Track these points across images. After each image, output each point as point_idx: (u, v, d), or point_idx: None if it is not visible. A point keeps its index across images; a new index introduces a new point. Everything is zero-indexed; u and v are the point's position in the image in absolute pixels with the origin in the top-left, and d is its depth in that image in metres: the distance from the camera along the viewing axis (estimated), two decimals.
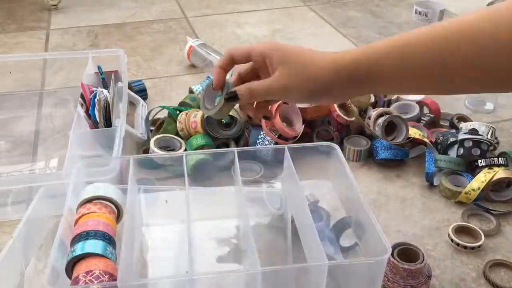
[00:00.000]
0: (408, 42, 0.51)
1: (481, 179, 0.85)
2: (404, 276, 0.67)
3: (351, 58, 0.54)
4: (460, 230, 0.80)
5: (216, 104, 0.62)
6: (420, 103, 1.05)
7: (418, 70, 0.51)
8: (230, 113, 0.91)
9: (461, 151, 0.90)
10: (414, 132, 0.94)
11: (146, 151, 0.95)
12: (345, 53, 0.55)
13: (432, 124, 1.03)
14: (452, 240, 0.77)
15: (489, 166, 0.87)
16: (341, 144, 0.97)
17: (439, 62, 0.49)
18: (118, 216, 0.68)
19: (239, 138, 0.95)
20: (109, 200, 0.66)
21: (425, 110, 1.05)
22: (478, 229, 0.79)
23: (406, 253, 0.69)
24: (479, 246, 0.77)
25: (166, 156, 0.88)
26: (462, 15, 0.49)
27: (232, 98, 0.59)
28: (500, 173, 0.85)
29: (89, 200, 0.66)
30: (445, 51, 0.48)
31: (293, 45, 0.57)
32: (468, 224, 0.80)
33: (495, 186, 0.86)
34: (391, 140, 0.94)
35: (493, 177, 0.84)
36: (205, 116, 0.87)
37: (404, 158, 0.95)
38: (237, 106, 0.83)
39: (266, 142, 0.92)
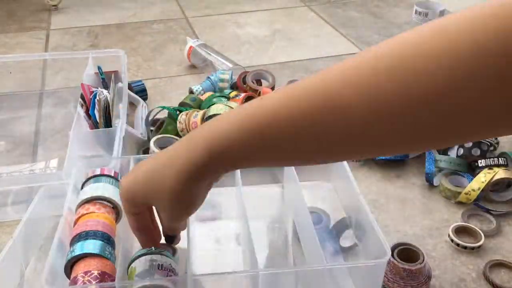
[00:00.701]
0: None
1: (481, 179, 0.85)
2: (404, 277, 0.67)
3: (194, 169, 0.45)
4: (460, 231, 0.80)
5: None
6: None
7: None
8: None
9: (461, 151, 0.90)
10: None
11: (146, 151, 0.95)
12: (185, 164, 0.45)
13: None
14: (452, 240, 0.77)
15: (489, 166, 0.87)
16: None
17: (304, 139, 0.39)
18: (118, 216, 0.68)
19: None
20: (109, 200, 0.66)
21: None
22: (478, 230, 0.79)
23: (406, 253, 0.69)
24: (479, 247, 0.77)
25: None
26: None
27: (171, 239, 0.59)
28: (500, 173, 0.85)
29: (88, 201, 0.66)
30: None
31: (136, 177, 0.51)
32: (468, 225, 0.80)
33: (495, 186, 0.86)
34: None
35: (493, 177, 0.84)
36: None
37: (404, 159, 0.95)
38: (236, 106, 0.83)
39: None
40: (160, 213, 0.55)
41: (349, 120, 0.36)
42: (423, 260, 0.68)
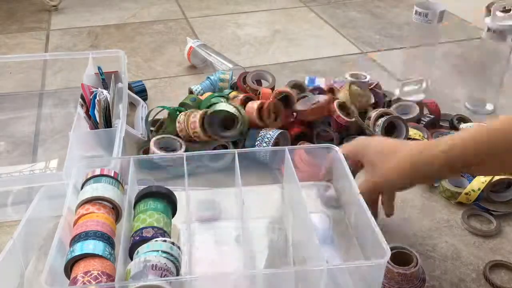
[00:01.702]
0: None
1: (481, 179, 0.85)
2: (399, 281, 0.66)
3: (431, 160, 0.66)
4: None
5: None
6: (421, 104, 1.05)
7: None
8: (232, 113, 0.91)
9: None
10: (414, 133, 0.94)
11: (146, 151, 0.95)
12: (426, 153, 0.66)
13: (432, 125, 1.03)
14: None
15: None
16: (340, 145, 0.97)
17: None
18: (117, 216, 0.68)
19: (239, 139, 0.95)
20: (108, 200, 0.66)
21: (425, 111, 1.05)
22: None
23: (399, 256, 0.68)
24: None
25: (166, 157, 0.88)
26: None
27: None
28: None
29: (88, 201, 0.66)
30: None
31: (378, 142, 0.73)
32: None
33: (495, 186, 0.86)
34: None
35: (493, 177, 0.84)
36: None
37: None
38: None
39: (264, 144, 0.91)
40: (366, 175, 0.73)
41: None
42: (417, 264, 0.68)
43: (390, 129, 0.96)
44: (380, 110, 0.97)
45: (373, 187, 0.72)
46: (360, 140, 0.77)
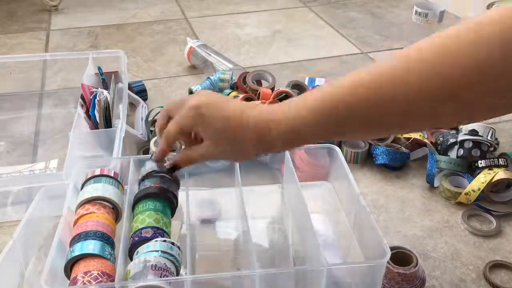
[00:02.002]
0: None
1: (481, 180, 0.85)
2: (399, 281, 0.66)
3: (272, 125, 0.55)
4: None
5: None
6: None
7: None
8: None
9: (461, 152, 0.90)
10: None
11: (146, 151, 0.95)
12: (267, 117, 0.56)
13: None
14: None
15: (489, 167, 0.87)
16: (339, 145, 0.97)
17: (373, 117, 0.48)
18: (117, 216, 0.68)
19: None
20: (108, 200, 0.66)
21: None
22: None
23: (399, 256, 0.68)
24: None
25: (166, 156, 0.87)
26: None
27: (173, 169, 0.67)
28: (500, 174, 0.85)
29: (88, 201, 0.66)
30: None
31: (215, 114, 0.59)
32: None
33: (495, 187, 0.86)
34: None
35: (493, 178, 0.84)
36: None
37: (404, 160, 0.94)
38: None
39: None
40: (206, 146, 0.60)
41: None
42: (417, 264, 0.67)
43: None
44: None
45: (202, 157, 0.62)
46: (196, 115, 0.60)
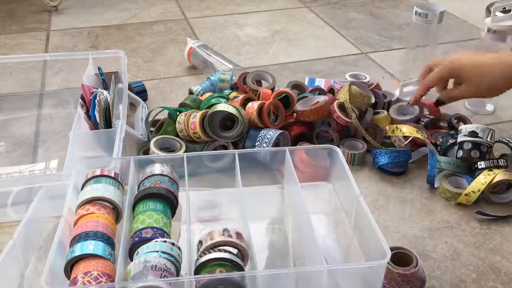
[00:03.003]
0: None
1: (481, 181, 0.85)
2: (399, 281, 0.66)
3: None
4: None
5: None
6: (421, 104, 1.05)
7: None
8: (232, 113, 0.91)
9: (461, 153, 0.90)
10: (411, 131, 0.94)
11: (146, 152, 0.95)
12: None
13: (432, 125, 1.04)
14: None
15: (489, 168, 0.87)
16: (340, 145, 0.97)
17: None
18: (117, 217, 0.68)
19: (239, 140, 0.95)
20: (108, 201, 0.66)
21: (425, 111, 1.05)
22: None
23: (399, 257, 0.68)
24: None
25: (166, 157, 0.88)
26: None
27: (440, 103, 0.95)
28: (500, 175, 0.85)
29: (88, 201, 0.66)
30: None
31: (468, 64, 0.85)
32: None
33: (495, 188, 0.86)
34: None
35: (493, 179, 0.84)
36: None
37: (407, 160, 0.94)
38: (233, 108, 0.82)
39: (264, 145, 0.91)
40: (465, 88, 0.88)
41: None
42: (417, 264, 0.67)
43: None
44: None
45: (462, 97, 0.92)
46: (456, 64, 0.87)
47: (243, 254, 0.59)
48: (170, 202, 0.68)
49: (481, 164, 0.88)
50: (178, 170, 0.75)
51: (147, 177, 0.70)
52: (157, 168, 0.72)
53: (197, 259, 0.59)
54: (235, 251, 0.59)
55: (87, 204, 0.65)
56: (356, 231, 0.71)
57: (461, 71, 0.86)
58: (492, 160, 0.88)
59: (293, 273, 0.62)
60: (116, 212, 0.67)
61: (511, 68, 0.81)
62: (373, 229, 0.61)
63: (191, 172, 0.76)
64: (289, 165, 0.76)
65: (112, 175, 0.70)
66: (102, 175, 0.69)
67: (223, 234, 0.60)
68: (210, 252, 0.59)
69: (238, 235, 0.60)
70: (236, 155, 0.75)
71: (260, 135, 0.92)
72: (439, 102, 0.94)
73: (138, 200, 0.67)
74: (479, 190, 0.84)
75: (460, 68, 0.86)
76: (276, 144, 0.93)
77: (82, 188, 0.69)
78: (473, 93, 0.87)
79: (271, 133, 0.92)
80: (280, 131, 0.93)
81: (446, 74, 0.88)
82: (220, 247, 0.60)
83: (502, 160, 0.88)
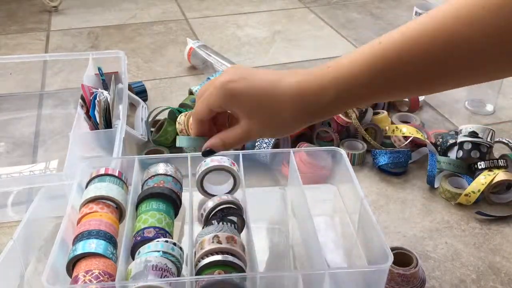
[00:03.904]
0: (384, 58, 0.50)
1: (481, 181, 0.85)
2: (399, 282, 0.66)
3: (318, 90, 0.51)
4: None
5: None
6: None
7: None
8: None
9: (460, 153, 0.90)
10: (411, 131, 0.94)
11: (150, 152, 0.95)
12: (310, 83, 0.52)
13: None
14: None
15: (489, 168, 0.87)
16: (340, 146, 0.97)
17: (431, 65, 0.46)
18: (121, 216, 0.68)
19: None
20: (112, 200, 0.66)
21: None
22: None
23: (399, 257, 0.68)
24: None
25: (170, 157, 0.87)
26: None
27: (208, 152, 0.59)
28: (500, 175, 0.85)
29: (92, 200, 0.66)
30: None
31: (246, 89, 0.53)
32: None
33: (495, 188, 0.86)
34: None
35: (493, 179, 0.84)
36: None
37: (407, 160, 0.94)
38: None
39: (264, 145, 0.91)
40: (244, 126, 0.55)
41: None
42: (417, 264, 0.67)
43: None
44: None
45: (239, 141, 0.57)
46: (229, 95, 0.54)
47: (238, 256, 0.59)
48: (173, 202, 0.68)
49: (481, 165, 0.88)
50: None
51: (151, 176, 0.70)
52: (161, 168, 0.72)
53: (196, 264, 0.59)
54: (226, 257, 0.58)
55: (91, 203, 0.65)
56: (359, 234, 0.71)
57: (234, 103, 0.54)
58: (492, 161, 0.88)
59: (294, 276, 0.62)
60: (119, 211, 0.67)
61: (309, 102, 0.51)
62: (377, 232, 0.61)
63: (195, 173, 0.76)
64: (292, 166, 0.75)
65: (116, 174, 0.70)
66: (106, 174, 0.69)
67: (213, 242, 0.59)
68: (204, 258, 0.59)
69: (229, 239, 0.60)
70: (240, 155, 0.75)
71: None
72: (206, 152, 0.59)
73: (141, 199, 0.67)
74: (479, 191, 0.84)
75: (233, 99, 0.54)
76: (276, 145, 0.92)
77: (86, 187, 0.69)
78: (254, 133, 0.55)
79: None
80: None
81: (216, 104, 0.55)
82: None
83: (502, 160, 0.88)
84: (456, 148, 0.93)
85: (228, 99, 0.54)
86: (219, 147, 0.57)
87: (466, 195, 0.85)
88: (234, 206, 0.69)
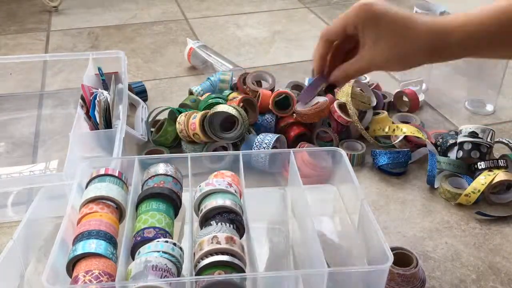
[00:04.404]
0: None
1: (481, 181, 0.85)
2: (399, 282, 0.66)
3: (449, 28, 0.55)
4: None
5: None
6: (400, 93, 1.10)
7: None
8: (232, 114, 0.91)
9: (460, 153, 0.90)
10: (411, 131, 0.94)
11: (149, 152, 0.95)
12: (443, 22, 0.56)
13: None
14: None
15: (489, 168, 0.87)
16: (339, 146, 0.97)
17: None
18: (121, 216, 0.68)
19: (239, 141, 0.95)
20: (112, 200, 0.66)
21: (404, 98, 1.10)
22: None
23: (399, 257, 0.68)
24: None
25: (170, 157, 0.87)
26: None
27: (331, 86, 0.63)
28: (500, 175, 0.85)
29: (92, 200, 0.66)
30: None
31: (385, 13, 0.56)
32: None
33: (495, 188, 0.86)
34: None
35: (493, 179, 0.84)
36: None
37: (407, 161, 0.94)
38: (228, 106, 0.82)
39: (264, 145, 0.91)
40: (363, 52, 0.57)
41: None
42: (417, 264, 0.67)
43: None
44: None
45: (363, 71, 0.60)
46: (366, 14, 0.57)
47: (238, 257, 0.59)
48: (173, 202, 0.68)
49: (481, 165, 0.88)
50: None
51: (151, 177, 0.70)
52: (161, 168, 0.72)
53: (196, 265, 0.59)
54: (226, 257, 0.58)
55: (91, 203, 0.65)
56: (359, 234, 0.71)
57: (371, 22, 0.56)
58: (492, 161, 0.88)
59: (294, 276, 0.62)
60: (119, 211, 0.67)
61: (439, 38, 0.55)
62: (377, 233, 0.61)
63: (195, 173, 0.76)
64: (293, 167, 0.75)
65: (117, 175, 0.70)
66: (106, 174, 0.69)
67: (212, 242, 0.59)
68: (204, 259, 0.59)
69: (228, 239, 0.60)
70: (240, 156, 0.75)
71: (257, 140, 0.92)
72: (331, 86, 0.63)
73: (141, 199, 0.67)
74: (479, 191, 0.84)
75: (372, 18, 0.56)
76: (274, 148, 0.92)
77: (86, 187, 0.69)
78: (378, 61, 0.57)
79: (269, 138, 0.92)
80: (277, 135, 0.93)
81: (350, 21, 0.57)
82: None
83: (502, 160, 0.88)
84: (456, 148, 0.93)
85: (369, 17, 0.56)
86: (343, 78, 0.60)
87: (466, 195, 0.85)
88: (234, 213, 0.68)
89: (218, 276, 0.56)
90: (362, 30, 0.56)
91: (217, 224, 0.63)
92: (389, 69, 0.64)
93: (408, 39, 0.55)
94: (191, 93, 1.13)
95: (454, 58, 0.58)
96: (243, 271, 0.59)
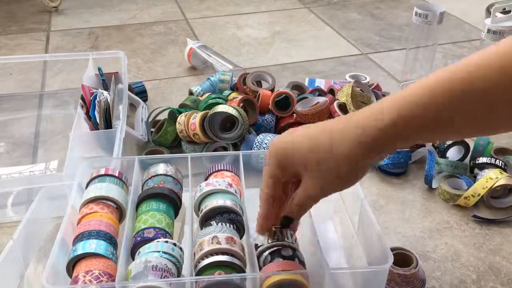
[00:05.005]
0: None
1: (482, 185, 0.84)
2: (399, 282, 0.66)
3: (377, 134, 0.47)
4: None
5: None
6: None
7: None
8: (232, 115, 0.91)
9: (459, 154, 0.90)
10: None
11: (149, 153, 0.95)
12: (370, 128, 0.48)
13: None
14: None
15: (489, 164, 0.87)
16: None
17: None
18: (121, 216, 0.68)
19: (239, 141, 0.95)
20: (112, 200, 0.66)
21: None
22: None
23: (399, 257, 0.68)
24: None
25: (170, 157, 0.87)
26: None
27: (288, 221, 0.58)
28: (501, 180, 0.84)
29: (92, 200, 0.66)
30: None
31: (295, 141, 0.52)
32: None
33: (496, 192, 0.86)
34: None
35: (494, 184, 0.83)
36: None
37: (407, 161, 0.94)
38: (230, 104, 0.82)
39: (264, 145, 0.91)
40: (307, 183, 0.52)
41: None
42: (417, 265, 0.67)
43: None
44: None
45: (314, 199, 0.55)
46: (279, 144, 0.54)
47: (238, 257, 0.59)
48: (173, 203, 0.68)
49: (480, 160, 0.88)
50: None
51: (151, 177, 0.70)
52: (161, 168, 0.72)
53: (196, 265, 0.59)
54: (226, 258, 0.58)
55: (91, 203, 0.65)
56: (359, 235, 0.71)
57: (288, 157, 0.52)
58: (491, 157, 0.88)
59: None
60: (119, 211, 0.67)
61: (364, 132, 0.48)
62: (377, 233, 0.61)
63: (195, 173, 0.76)
64: None
65: (117, 175, 0.70)
66: (106, 175, 0.69)
67: (212, 243, 0.59)
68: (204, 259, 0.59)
69: (228, 239, 0.60)
70: (240, 156, 0.75)
71: (257, 140, 0.92)
72: (285, 219, 0.59)
73: (142, 200, 0.67)
74: (479, 195, 0.83)
75: (285, 151, 0.52)
76: None
77: (86, 187, 0.69)
78: (319, 184, 0.52)
79: (269, 138, 0.92)
80: (277, 136, 0.93)
81: (274, 171, 0.54)
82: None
83: (500, 160, 0.88)
84: (454, 149, 0.93)
85: (284, 162, 0.52)
86: (300, 213, 0.56)
87: (465, 198, 0.84)
88: (234, 213, 0.68)
89: (218, 276, 0.56)
90: (289, 169, 0.53)
91: (217, 224, 0.63)
92: (337, 188, 0.55)
93: (339, 151, 0.49)
94: (191, 93, 1.13)
95: (390, 148, 0.50)
96: (243, 271, 0.59)
